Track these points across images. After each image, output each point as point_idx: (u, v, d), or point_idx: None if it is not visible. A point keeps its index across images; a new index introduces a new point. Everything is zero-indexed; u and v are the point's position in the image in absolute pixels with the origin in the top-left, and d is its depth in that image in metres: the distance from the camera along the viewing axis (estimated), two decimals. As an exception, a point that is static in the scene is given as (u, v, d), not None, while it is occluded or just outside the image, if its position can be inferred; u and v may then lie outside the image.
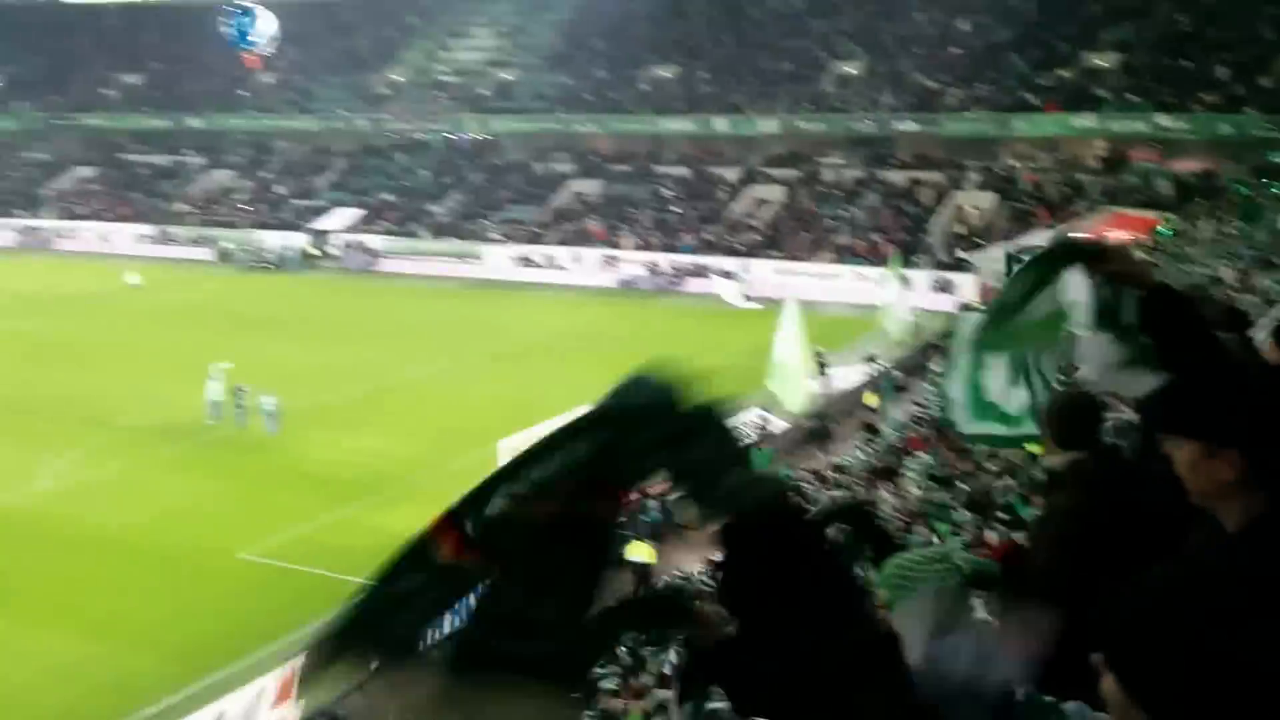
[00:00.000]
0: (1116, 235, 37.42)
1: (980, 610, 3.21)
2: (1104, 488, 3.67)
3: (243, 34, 62.97)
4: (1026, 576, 3.73)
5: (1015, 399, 5.02)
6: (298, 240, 68.93)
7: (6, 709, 19.05)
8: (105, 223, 75.58)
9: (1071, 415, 4.07)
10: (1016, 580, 3.72)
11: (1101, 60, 59.13)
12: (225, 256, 68.61)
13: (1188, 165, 54.37)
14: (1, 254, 71.56)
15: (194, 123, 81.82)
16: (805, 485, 23.00)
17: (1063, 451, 4.00)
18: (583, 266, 61.40)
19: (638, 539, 22.93)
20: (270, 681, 18.29)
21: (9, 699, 19.35)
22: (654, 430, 2.35)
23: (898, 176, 60.86)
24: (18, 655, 20.60)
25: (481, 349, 43.13)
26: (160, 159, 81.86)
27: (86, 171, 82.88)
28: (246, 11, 63.85)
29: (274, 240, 69.36)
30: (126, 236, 73.43)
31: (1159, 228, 44.86)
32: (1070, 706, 2.56)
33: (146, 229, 73.97)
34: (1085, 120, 56.43)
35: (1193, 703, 1.67)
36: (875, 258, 54.03)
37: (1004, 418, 5.18)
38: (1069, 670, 2.34)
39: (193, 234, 72.26)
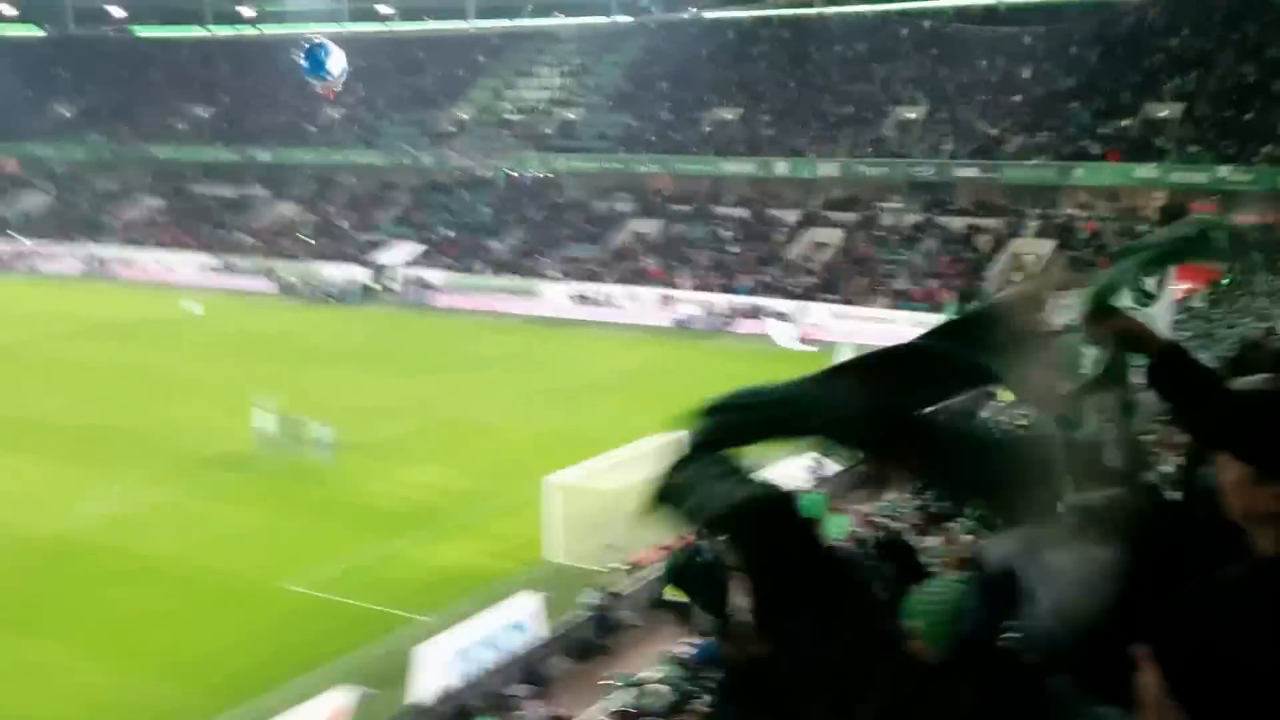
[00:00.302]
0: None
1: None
2: (1142, 527, 3.46)
3: (318, 65, 62.80)
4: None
5: None
6: (359, 274, 68.88)
7: None
8: (170, 252, 75.93)
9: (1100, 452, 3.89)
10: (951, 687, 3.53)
11: (1164, 111, 58.17)
12: (287, 289, 68.49)
13: (1248, 218, 53.23)
14: (67, 281, 71.80)
15: (260, 156, 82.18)
16: (857, 529, 22.60)
17: (1092, 489, 3.74)
18: (639, 305, 60.79)
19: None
20: (315, 711, 18.30)
21: None
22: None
23: (956, 222, 60.12)
24: (60, 686, 20.45)
25: (537, 385, 42.76)
26: (226, 191, 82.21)
27: (153, 202, 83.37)
28: (321, 45, 63.91)
29: (336, 273, 69.37)
30: (190, 266, 73.56)
31: (1219, 280, 43.84)
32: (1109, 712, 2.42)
33: (210, 259, 74.18)
34: (1146, 170, 55.50)
35: (1235, 710, 1.62)
36: (932, 303, 53.40)
37: None
38: (1105, 676, 2.29)
39: (255, 265, 72.34)
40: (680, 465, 2.28)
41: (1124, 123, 57.94)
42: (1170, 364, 3.11)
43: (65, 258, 76.99)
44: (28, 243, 79.52)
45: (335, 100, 70.73)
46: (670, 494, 2.25)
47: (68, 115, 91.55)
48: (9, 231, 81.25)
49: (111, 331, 53.54)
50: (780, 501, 2.14)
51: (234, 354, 48.64)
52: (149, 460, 33.09)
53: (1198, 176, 54.09)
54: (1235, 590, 1.84)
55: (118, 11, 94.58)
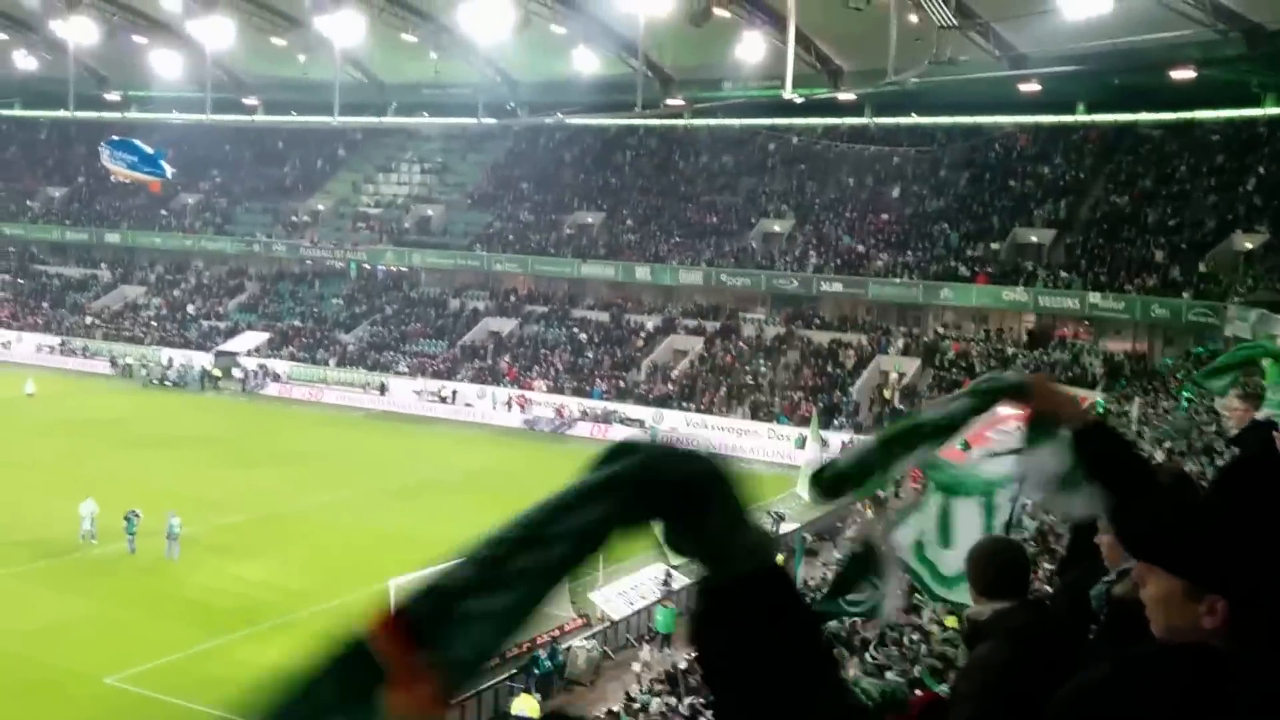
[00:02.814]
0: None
1: None
2: (1029, 640, 3.14)
3: (147, 158, 55.09)
4: None
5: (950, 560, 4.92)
6: (201, 359, 60.80)
7: None
8: (9, 330, 67.51)
9: (997, 564, 3.57)
10: None
11: (1034, 236, 51.49)
12: (126, 372, 60.98)
13: (1119, 345, 46.77)
14: None
15: (110, 237, 73.12)
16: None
17: (988, 601, 3.46)
18: (489, 404, 53.37)
19: (526, 692, 20.88)
20: None
21: None
22: (664, 489, 1.72)
23: (820, 336, 52.31)
24: None
25: (378, 482, 38.69)
26: (73, 271, 73.23)
27: None
28: (127, 142, 56.59)
29: (176, 358, 61.49)
30: (29, 345, 65.87)
31: (1093, 405, 36.72)
32: None
33: (49, 339, 65.94)
34: (1015, 293, 48.57)
35: None
36: (792, 416, 45.98)
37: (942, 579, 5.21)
38: None
39: (95, 347, 64.54)
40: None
41: (994, 245, 50.99)
42: (1096, 439, 2.93)
43: None
44: None
45: (159, 192, 63.01)
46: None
47: None
48: None
49: None
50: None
51: (66, 436, 43.99)
52: None
53: (1068, 302, 47.34)
54: (1127, 682, 1.68)
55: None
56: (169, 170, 56.91)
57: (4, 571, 28.01)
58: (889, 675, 16.38)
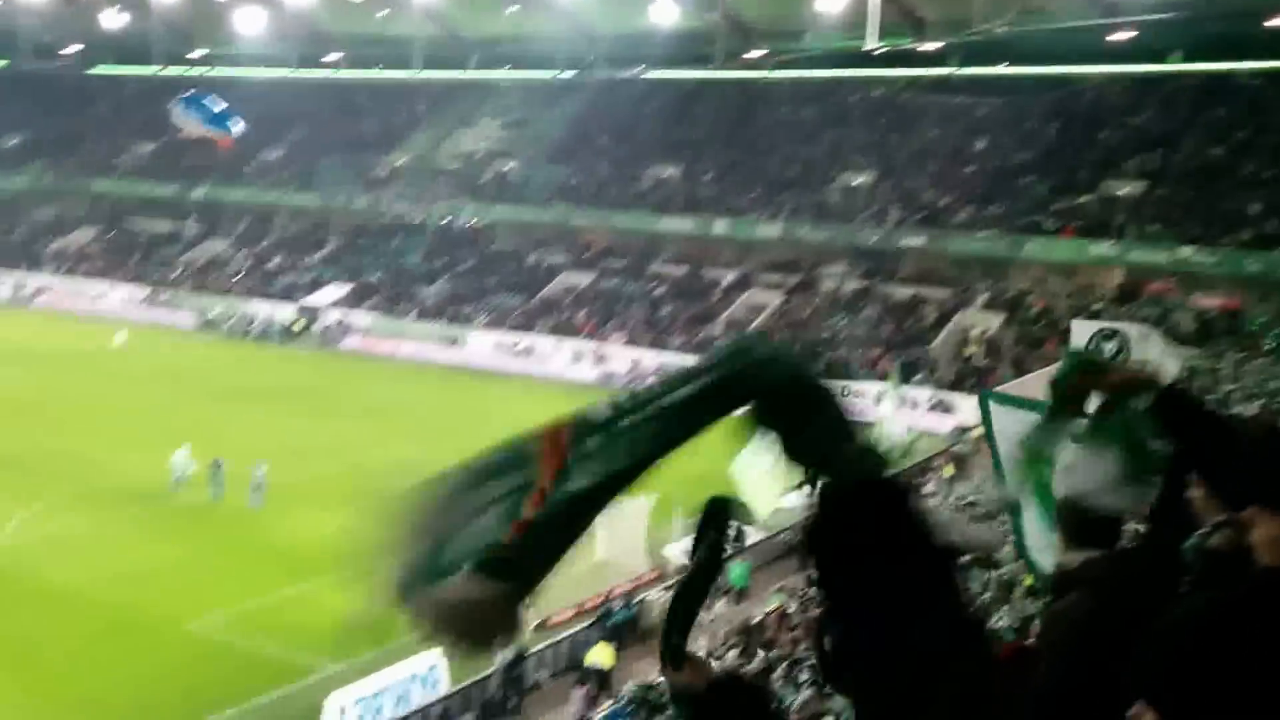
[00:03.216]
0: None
1: None
2: (1117, 590, 3.00)
3: (216, 117, 55.55)
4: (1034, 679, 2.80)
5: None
6: (284, 313, 61.11)
7: None
8: (99, 282, 68.54)
9: (1086, 512, 3.29)
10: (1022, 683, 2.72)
11: (1124, 188, 49.55)
12: (211, 324, 61.57)
13: (1212, 301, 44.93)
14: None
15: (198, 193, 73.81)
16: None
17: (1076, 550, 3.34)
18: (565, 359, 52.68)
19: (603, 641, 20.83)
20: None
21: None
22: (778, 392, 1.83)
23: (900, 291, 51.07)
24: None
25: (458, 434, 35.21)
26: (161, 225, 73.98)
27: (89, 233, 75.04)
28: (198, 99, 57.09)
29: (260, 311, 61.93)
30: (118, 297, 66.78)
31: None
32: None
33: (138, 291, 66.84)
34: (1102, 248, 46.89)
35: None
36: (872, 372, 44.95)
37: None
38: None
39: (181, 299, 65.25)
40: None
41: (1081, 199, 49.21)
42: (1175, 404, 2.75)
43: None
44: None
45: (229, 150, 63.64)
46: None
47: (12, 145, 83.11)
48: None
49: (35, 359, 48.59)
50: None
51: (154, 387, 44.29)
52: (61, 488, 29.85)
53: (1157, 256, 45.53)
54: (1226, 611, 1.63)
55: (73, 48, 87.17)
56: (238, 128, 57.24)
57: (93, 517, 28.12)
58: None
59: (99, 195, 76.88)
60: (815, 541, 1.80)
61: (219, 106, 56.52)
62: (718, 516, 2.06)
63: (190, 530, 27.68)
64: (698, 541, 2.07)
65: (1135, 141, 50.84)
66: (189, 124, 57.84)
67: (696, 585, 2.07)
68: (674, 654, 2.03)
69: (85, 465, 31.93)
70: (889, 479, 1.79)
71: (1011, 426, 6.32)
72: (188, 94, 58.87)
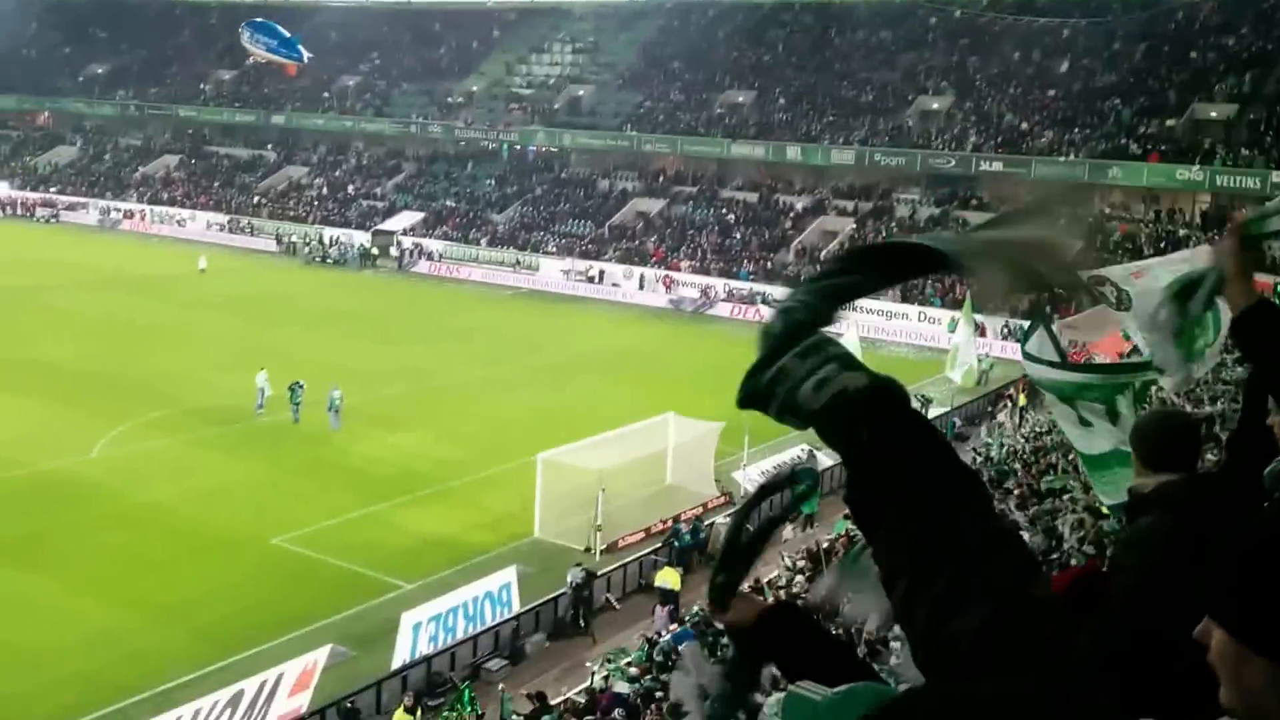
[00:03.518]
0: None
1: None
2: (1194, 512, 2.83)
3: (286, 41, 56.14)
4: (1107, 600, 2.95)
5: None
6: (360, 238, 61.47)
7: (37, 669, 17.28)
8: (183, 209, 69.33)
9: (1164, 434, 3.29)
10: (1094, 602, 2.97)
11: (1213, 112, 47.74)
12: (290, 249, 62.35)
13: (1305, 228, 43.24)
14: (86, 232, 66.83)
15: (277, 119, 74.41)
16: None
17: (1152, 474, 3.21)
18: (635, 285, 52.63)
19: (669, 565, 20.90)
20: (290, 668, 16.51)
21: (41, 659, 17.59)
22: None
23: (977, 217, 49.78)
24: (55, 619, 18.92)
25: (529, 359, 38.59)
26: (241, 152, 74.66)
27: (173, 160, 75.84)
28: (267, 24, 57.55)
29: (337, 236, 62.31)
30: (200, 223, 67.70)
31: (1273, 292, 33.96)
32: None
33: (218, 217, 67.57)
34: (1190, 172, 45.32)
35: None
36: (945, 299, 44.13)
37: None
38: (1158, 697, 1.79)
39: (261, 225, 65.88)
40: (771, 358, 1.79)
41: (1169, 122, 47.49)
42: (1261, 320, 2.61)
43: (86, 209, 71.79)
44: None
45: (296, 76, 64.11)
46: (767, 386, 1.77)
47: (100, 73, 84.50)
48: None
49: (122, 283, 49.43)
50: (896, 387, 1.72)
51: (235, 311, 44.60)
52: (150, 409, 30.33)
53: (1249, 181, 43.83)
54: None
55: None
56: (305, 54, 57.46)
57: (179, 438, 28.44)
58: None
59: (182, 122, 77.75)
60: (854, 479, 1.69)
61: (286, 32, 56.96)
62: (797, 483, 1.97)
63: (270, 450, 27.87)
64: (764, 493, 1.99)
65: (1226, 63, 48.82)
66: (257, 49, 58.51)
67: (752, 544, 1.97)
68: (719, 593, 1.96)
69: (171, 387, 32.38)
70: (895, 391, 1.67)
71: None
72: (254, 21, 59.35)
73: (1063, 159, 48.43)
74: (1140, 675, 1.93)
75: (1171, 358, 4.45)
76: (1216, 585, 1.28)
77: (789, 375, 1.72)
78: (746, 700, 1.95)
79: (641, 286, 52.15)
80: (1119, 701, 1.15)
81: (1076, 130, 49.27)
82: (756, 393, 1.77)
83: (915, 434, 1.66)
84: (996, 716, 0.98)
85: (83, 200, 72.25)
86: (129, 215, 69.69)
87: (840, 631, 15.87)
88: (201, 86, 79.74)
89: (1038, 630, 1.52)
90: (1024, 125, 50.92)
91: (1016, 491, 20.53)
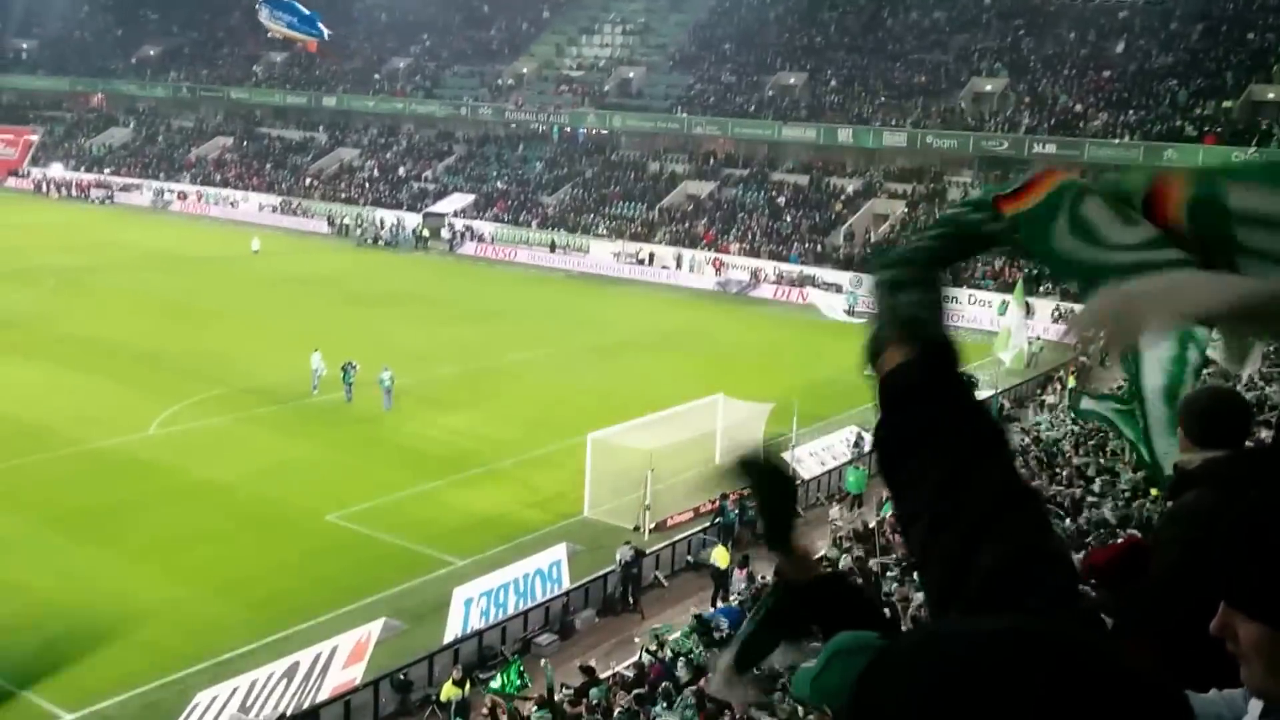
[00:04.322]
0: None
1: None
2: (1239, 489, 2.26)
3: (305, 19, 57.05)
4: (1149, 575, 3.11)
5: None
6: (412, 221, 61.88)
7: (99, 640, 17.56)
8: (235, 190, 70.35)
9: (1211, 411, 3.32)
10: (1136, 577, 3.15)
11: (1272, 93, 46.99)
12: (342, 231, 62.94)
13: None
14: (139, 212, 67.90)
15: (328, 101, 75.01)
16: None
17: (1199, 450, 3.25)
18: (685, 267, 52.66)
19: (721, 544, 21.02)
20: (345, 640, 16.78)
21: (103, 630, 17.88)
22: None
23: (1030, 200, 49.37)
24: (117, 591, 19.29)
25: (577, 340, 38.83)
26: (293, 134, 75.38)
27: (225, 141, 76.79)
28: (286, 2, 60.59)
29: (388, 218, 62.82)
30: (253, 205, 68.50)
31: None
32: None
33: (271, 199, 68.31)
34: (1248, 155, 44.59)
35: None
36: (1000, 282, 43.87)
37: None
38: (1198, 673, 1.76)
39: (313, 207, 66.51)
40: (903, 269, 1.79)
41: (1226, 103, 46.80)
42: None
43: (140, 190, 72.95)
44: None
45: (321, 54, 64.73)
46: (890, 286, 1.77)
47: (152, 54, 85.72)
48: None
49: (177, 263, 50.37)
50: (956, 345, 1.75)
51: (288, 292, 45.38)
52: (206, 388, 30.88)
53: (1308, 162, 43.21)
54: None
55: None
56: (325, 30, 58.05)
57: (234, 416, 28.82)
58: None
59: (234, 104, 78.56)
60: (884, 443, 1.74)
61: (305, 9, 57.75)
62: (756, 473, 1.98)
63: (324, 429, 28.21)
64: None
65: (1286, 42, 48.04)
66: (276, 25, 59.34)
67: (784, 483, 2.02)
68: (774, 536, 2.02)
69: (226, 366, 32.79)
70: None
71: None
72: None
73: (1117, 141, 47.86)
74: (1178, 648, 1.94)
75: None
76: (1239, 578, 1.27)
77: (904, 291, 1.75)
78: (770, 647, 2.02)
79: (691, 269, 52.19)
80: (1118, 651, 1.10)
81: (1131, 112, 48.68)
82: (884, 282, 1.79)
83: (958, 388, 1.69)
84: (991, 653, 1.00)
85: (136, 182, 73.47)
86: (182, 197, 70.64)
87: (886, 609, 16.02)
88: (253, 68, 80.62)
89: (1050, 578, 1.55)
90: (1078, 107, 50.36)
91: (1064, 472, 20.57)
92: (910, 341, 1.70)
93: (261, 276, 48.22)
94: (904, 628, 11.54)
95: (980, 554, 1.56)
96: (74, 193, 73.06)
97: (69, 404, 28.91)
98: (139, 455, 25.80)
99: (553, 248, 56.35)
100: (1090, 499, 18.05)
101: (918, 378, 1.69)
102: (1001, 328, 35.76)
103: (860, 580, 17.46)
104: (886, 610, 16.39)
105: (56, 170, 75.79)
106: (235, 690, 15.36)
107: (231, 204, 68.73)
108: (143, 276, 46.21)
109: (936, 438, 1.66)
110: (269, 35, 64.74)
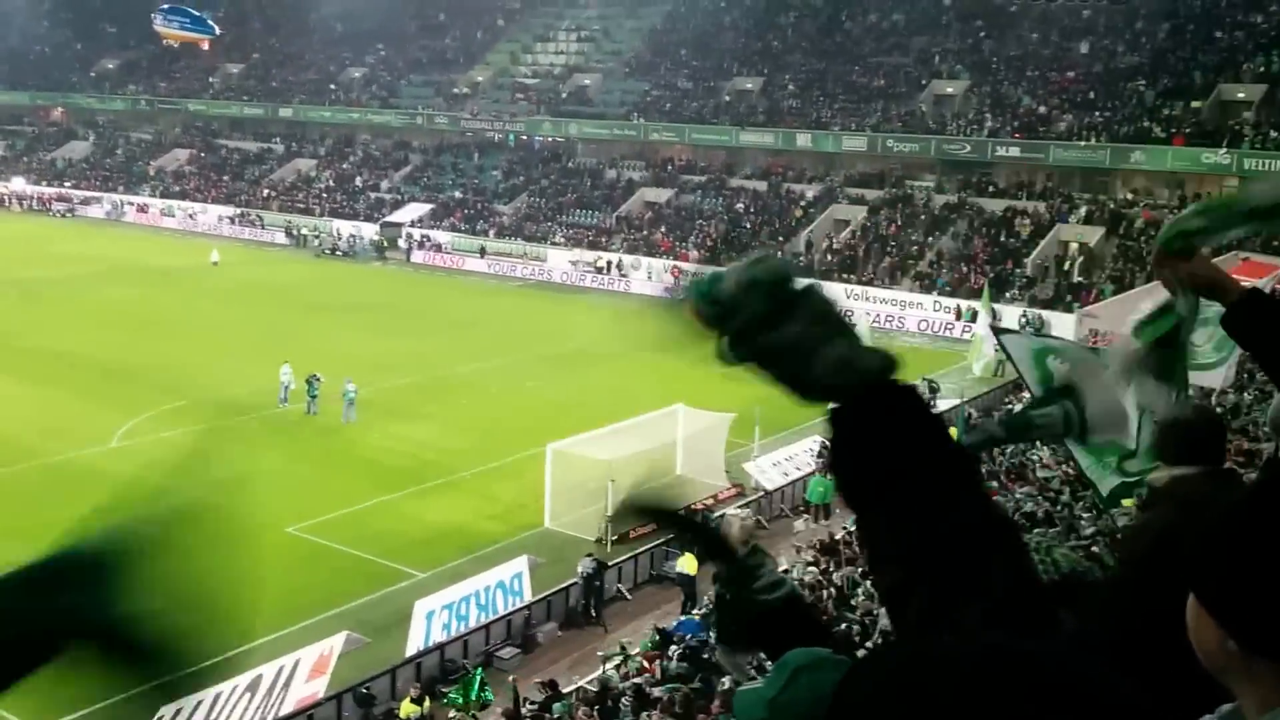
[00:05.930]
0: (1245, 283, 26.96)
1: None
2: (1200, 508, 2.25)
3: (196, 20, 58.46)
4: (1104, 589, 3.21)
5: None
6: (369, 231, 61.06)
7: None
8: (194, 202, 69.57)
9: (1185, 429, 3.22)
10: (1096, 591, 3.23)
11: (1241, 93, 46.79)
12: (300, 242, 62.03)
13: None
14: (99, 225, 67.71)
15: (284, 112, 73.98)
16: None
17: (1169, 467, 3.22)
18: (643, 275, 51.51)
19: (689, 551, 20.02)
20: (307, 654, 16.78)
21: None
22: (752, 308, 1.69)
23: (994, 204, 49.07)
24: None
25: (536, 350, 38.67)
26: (250, 145, 74.36)
27: (183, 154, 75.71)
28: (178, 7, 62.87)
29: (346, 229, 62.04)
30: (211, 216, 67.80)
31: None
32: None
33: (229, 210, 67.42)
34: (1217, 156, 44.47)
35: None
36: (962, 289, 43.57)
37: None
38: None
39: (270, 218, 65.62)
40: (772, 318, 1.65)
41: (1194, 103, 46.44)
42: (1252, 311, 2.47)
43: (99, 203, 72.46)
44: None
45: (208, 49, 65.76)
46: (766, 350, 1.65)
47: (111, 68, 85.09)
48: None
49: (137, 275, 49.96)
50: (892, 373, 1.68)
51: (248, 303, 45.25)
52: (166, 400, 30.39)
53: (1278, 164, 42.72)
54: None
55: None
56: (216, 28, 59.74)
57: (195, 428, 27.70)
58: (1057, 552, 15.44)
59: (192, 116, 77.58)
60: (837, 468, 1.63)
61: (196, 11, 58.70)
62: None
63: (285, 441, 28.02)
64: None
65: (1253, 42, 47.40)
66: (169, 30, 60.28)
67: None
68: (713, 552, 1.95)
69: (187, 378, 32.50)
70: (891, 389, 1.55)
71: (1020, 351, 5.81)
72: (165, 5, 61.53)
73: (1083, 143, 47.52)
74: (1133, 659, 1.75)
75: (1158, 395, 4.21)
76: (1197, 566, 1.21)
77: (798, 342, 1.56)
78: (744, 612, 1.88)
79: (649, 277, 51.61)
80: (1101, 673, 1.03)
81: (1097, 113, 48.12)
82: (757, 351, 1.59)
83: (920, 417, 1.57)
84: (964, 673, 0.99)
85: (97, 195, 72.62)
86: (141, 209, 69.77)
87: (855, 627, 15.33)
88: (210, 80, 79.34)
89: (1033, 618, 1.47)
90: (1042, 109, 49.88)
91: (1036, 483, 20.09)
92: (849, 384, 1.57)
93: (221, 288, 48.01)
94: (875, 641, 10.91)
95: (961, 611, 1.47)
96: (36, 206, 71.91)
97: (30, 417, 28.76)
98: (101, 467, 25.23)
99: (532, 258, 55.78)
100: (1055, 511, 17.62)
101: (877, 416, 1.57)
102: (973, 335, 35.63)
103: (830, 592, 16.87)
104: (857, 626, 15.81)
105: (18, 184, 74.44)
106: (200, 704, 15.08)
107: (190, 216, 67.82)
108: (104, 289, 46.07)
109: (907, 472, 1.56)
110: (164, 42, 65.71)
